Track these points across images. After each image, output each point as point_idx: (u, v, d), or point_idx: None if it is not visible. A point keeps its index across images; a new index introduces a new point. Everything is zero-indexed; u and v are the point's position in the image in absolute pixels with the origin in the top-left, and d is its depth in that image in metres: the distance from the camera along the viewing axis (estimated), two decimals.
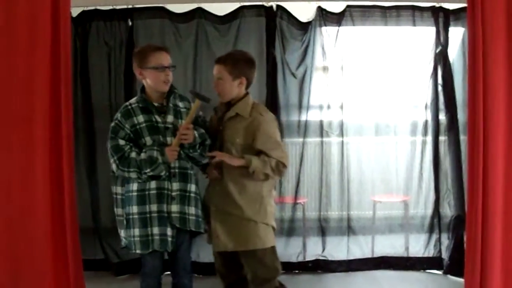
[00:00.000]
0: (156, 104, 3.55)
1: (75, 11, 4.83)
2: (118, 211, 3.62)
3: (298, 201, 5.26)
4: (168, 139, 3.52)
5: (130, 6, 5.00)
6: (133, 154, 3.44)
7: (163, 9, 5.05)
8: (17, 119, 3.71)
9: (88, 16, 5.02)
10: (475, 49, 3.78)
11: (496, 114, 3.77)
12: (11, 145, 3.71)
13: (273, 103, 4.98)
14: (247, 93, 3.66)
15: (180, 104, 3.62)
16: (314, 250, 5.25)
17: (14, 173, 3.72)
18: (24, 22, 3.70)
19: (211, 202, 3.64)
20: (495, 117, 3.77)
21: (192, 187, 3.59)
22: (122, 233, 3.62)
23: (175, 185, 3.53)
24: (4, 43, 3.67)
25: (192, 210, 3.56)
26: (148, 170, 3.43)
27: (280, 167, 3.52)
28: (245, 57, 3.67)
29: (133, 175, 3.45)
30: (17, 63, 3.70)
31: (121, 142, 3.46)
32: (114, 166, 3.48)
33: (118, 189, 3.61)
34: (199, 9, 5.04)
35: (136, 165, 3.42)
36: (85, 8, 5.00)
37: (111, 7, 5.01)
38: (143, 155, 3.44)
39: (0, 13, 3.65)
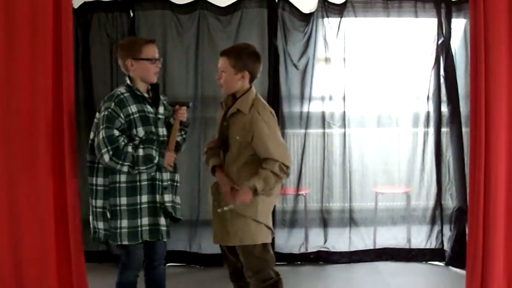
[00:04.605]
0: (145, 95, 3.58)
1: (76, 3, 4.82)
2: (97, 202, 3.55)
3: (300, 193, 5.28)
4: (160, 130, 3.58)
5: None
6: (129, 149, 3.41)
7: (164, 0, 5.04)
8: (18, 112, 3.69)
9: (89, 8, 5.01)
10: (477, 40, 3.76)
11: (498, 105, 3.76)
12: (13, 138, 3.70)
13: (275, 94, 4.98)
14: (250, 88, 3.56)
15: (162, 97, 3.70)
16: (316, 241, 5.27)
17: (16, 167, 3.72)
18: (25, 14, 3.68)
19: (214, 199, 3.65)
20: (497, 109, 3.76)
21: (178, 177, 3.73)
22: (99, 225, 3.57)
23: (165, 176, 3.61)
24: (5, 35, 3.66)
25: (177, 199, 3.71)
26: (143, 168, 3.45)
27: (284, 169, 3.45)
28: (250, 50, 3.57)
29: (125, 169, 3.41)
30: (18, 55, 3.69)
31: (116, 132, 3.39)
32: (106, 157, 3.36)
33: (99, 180, 3.54)
34: (201, 0, 5.03)
35: (131, 160, 3.40)
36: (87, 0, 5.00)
37: None
38: (140, 152, 3.44)
39: (0, 5, 3.64)
